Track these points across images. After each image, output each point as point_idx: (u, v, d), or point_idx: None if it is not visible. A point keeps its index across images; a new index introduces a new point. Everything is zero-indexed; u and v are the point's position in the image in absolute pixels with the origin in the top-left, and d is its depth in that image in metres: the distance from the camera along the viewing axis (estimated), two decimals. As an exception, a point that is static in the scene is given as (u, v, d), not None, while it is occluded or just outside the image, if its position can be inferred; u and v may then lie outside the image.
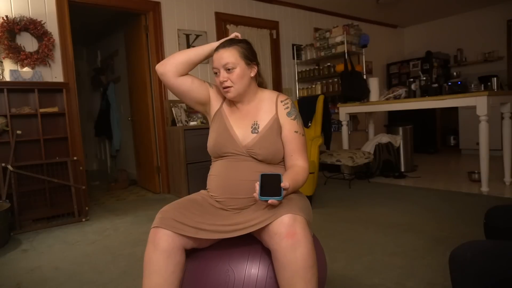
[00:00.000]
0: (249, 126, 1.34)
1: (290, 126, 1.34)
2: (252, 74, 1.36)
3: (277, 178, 1.13)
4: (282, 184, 1.09)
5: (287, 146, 1.34)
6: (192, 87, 1.37)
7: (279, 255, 1.04)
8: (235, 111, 1.40)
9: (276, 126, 1.33)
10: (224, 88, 1.32)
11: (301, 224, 1.05)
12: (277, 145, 1.32)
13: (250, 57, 1.34)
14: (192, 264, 1.22)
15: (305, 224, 1.07)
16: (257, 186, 1.10)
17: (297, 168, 1.30)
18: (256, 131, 1.33)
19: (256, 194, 1.08)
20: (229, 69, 1.30)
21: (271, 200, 1.07)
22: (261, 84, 1.45)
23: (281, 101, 1.38)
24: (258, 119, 1.35)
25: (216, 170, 1.36)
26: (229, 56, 1.30)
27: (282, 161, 1.37)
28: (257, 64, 1.39)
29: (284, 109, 1.36)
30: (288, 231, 1.03)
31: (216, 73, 1.34)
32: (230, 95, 1.33)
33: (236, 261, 1.15)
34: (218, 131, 1.36)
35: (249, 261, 1.15)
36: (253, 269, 1.13)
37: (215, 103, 1.43)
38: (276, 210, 1.09)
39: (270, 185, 1.11)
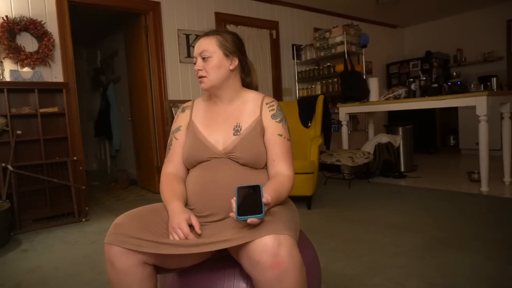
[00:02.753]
0: (230, 129, 1.25)
1: (274, 129, 1.24)
2: (232, 67, 1.26)
3: (256, 191, 0.99)
4: (263, 199, 0.97)
5: (270, 150, 1.23)
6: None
7: (263, 287, 0.92)
8: (215, 114, 1.30)
9: (259, 128, 1.24)
10: (199, 78, 1.25)
11: (286, 247, 0.91)
12: (259, 148, 1.21)
13: (230, 48, 1.25)
14: (173, 285, 1.14)
15: (292, 245, 0.93)
16: (234, 203, 0.96)
17: (280, 177, 1.18)
18: (237, 133, 1.23)
19: (233, 213, 0.94)
20: (205, 58, 1.23)
21: (251, 219, 0.93)
22: (249, 85, 1.36)
23: (267, 103, 1.28)
24: (241, 121, 1.25)
25: (193, 174, 1.25)
26: (207, 44, 1.23)
27: (265, 166, 1.26)
28: (240, 58, 1.29)
29: (269, 111, 1.26)
30: (273, 261, 0.89)
31: (195, 63, 1.27)
32: (203, 85, 1.25)
33: (222, 279, 1.05)
34: (189, 143, 1.27)
35: (235, 279, 1.04)
36: (241, 286, 1.04)
37: (185, 122, 1.34)
38: (255, 228, 0.95)
39: (249, 200, 0.97)
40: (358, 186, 3.99)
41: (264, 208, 0.95)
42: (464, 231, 2.33)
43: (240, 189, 1.01)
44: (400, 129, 4.66)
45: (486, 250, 1.99)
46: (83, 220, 3.17)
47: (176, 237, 1.03)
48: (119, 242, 0.99)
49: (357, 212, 2.95)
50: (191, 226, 1.07)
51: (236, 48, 1.27)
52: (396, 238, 2.27)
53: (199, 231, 1.07)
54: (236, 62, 1.27)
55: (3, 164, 2.91)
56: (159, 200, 1.22)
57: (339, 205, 3.23)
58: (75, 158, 3.30)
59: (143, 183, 4.74)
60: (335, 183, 4.20)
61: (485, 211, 2.75)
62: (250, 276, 0.96)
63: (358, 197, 3.48)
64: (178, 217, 1.07)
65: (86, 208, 3.30)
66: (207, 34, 1.26)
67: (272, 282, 0.90)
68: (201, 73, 1.24)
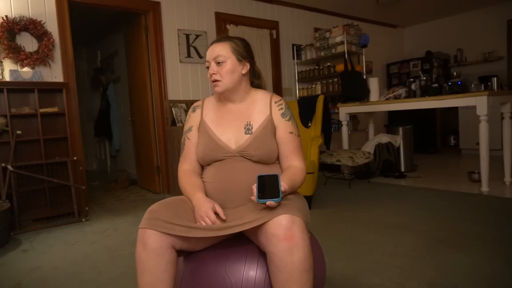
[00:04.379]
0: (242, 127, 1.31)
1: (285, 127, 1.32)
2: (244, 71, 1.33)
3: (274, 179, 1.11)
4: (281, 187, 1.08)
5: (283, 147, 1.32)
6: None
7: (276, 258, 1.01)
8: (225, 113, 1.36)
9: (270, 126, 1.31)
10: (213, 81, 1.30)
11: (299, 226, 1.02)
12: (271, 146, 1.30)
13: (242, 53, 1.32)
14: (188, 268, 1.19)
15: (303, 226, 1.05)
16: (255, 188, 1.08)
17: (294, 169, 1.29)
18: (249, 132, 1.30)
19: (254, 197, 1.07)
20: (219, 63, 1.29)
21: (269, 202, 1.05)
22: (258, 87, 1.43)
23: (275, 102, 1.35)
24: (252, 120, 1.32)
25: (210, 173, 1.32)
26: (221, 49, 1.29)
27: (277, 160, 1.35)
28: (251, 63, 1.37)
29: (279, 110, 1.34)
30: (286, 234, 1.00)
31: (208, 67, 1.33)
32: (218, 89, 1.31)
33: (233, 264, 1.13)
34: (203, 143, 1.33)
35: (246, 264, 1.12)
36: (251, 272, 1.11)
37: (196, 122, 1.39)
38: (273, 210, 1.07)
39: (268, 186, 1.09)
40: (358, 186, 3.99)
41: (281, 194, 1.07)
42: (464, 231, 2.33)
43: (260, 177, 1.12)
44: (400, 129, 4.65)
45: (486, 250, 1.99)
46: (83, 220, 3.17)
47: (204, 224, 1.13)
48: (154, 226, 1.09)
49: (357, 212, 2.95)
50: (215, 213, 1.17)
51: (247, 54, 1.35)
52: (396, 238, 2.27)
53: (224, 217, 1.16)
54: (247, 66, 1.35)
55: (3, 164, 2.91)
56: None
57: (339, 205, 3.23)
58: (75, 158, 3.30)
59: (143, 183, 4.74)
60: (335, 183, 4.20)
61: (485, 211, 2.75)
62: (265, 250, 1.05)
63: (358, 197, 3.48)
64: (204, 206, 1.17)
65: (86, 208, 3.30)
66: (220, 40, 1.33)
67: (284, 252, 1.00)
68: (215, 77, 1.30)
